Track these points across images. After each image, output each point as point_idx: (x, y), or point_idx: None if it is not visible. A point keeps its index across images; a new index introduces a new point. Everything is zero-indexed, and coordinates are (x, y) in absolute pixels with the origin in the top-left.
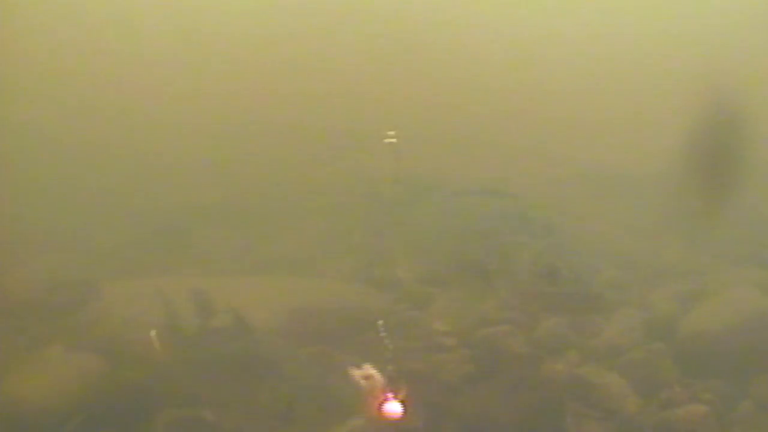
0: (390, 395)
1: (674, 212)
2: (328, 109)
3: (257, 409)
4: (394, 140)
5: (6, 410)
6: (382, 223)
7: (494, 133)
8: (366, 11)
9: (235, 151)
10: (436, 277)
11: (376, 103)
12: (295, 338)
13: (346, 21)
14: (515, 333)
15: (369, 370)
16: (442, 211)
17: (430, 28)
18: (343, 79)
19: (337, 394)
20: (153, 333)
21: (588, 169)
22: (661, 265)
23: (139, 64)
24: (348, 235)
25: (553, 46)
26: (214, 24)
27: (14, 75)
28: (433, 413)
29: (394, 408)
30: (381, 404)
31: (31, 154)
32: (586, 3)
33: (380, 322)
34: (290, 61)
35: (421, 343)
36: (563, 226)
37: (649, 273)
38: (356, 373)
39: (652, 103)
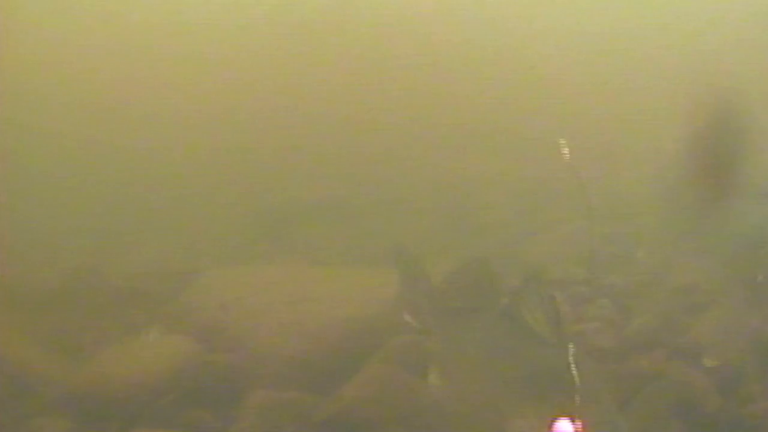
0: None
1: None
2: (444, 105)
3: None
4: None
5: (99, 389)
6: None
7: None
8: None
9: (346, 147)
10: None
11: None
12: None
13: None
14: (605, 330)
15: None
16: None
17: None
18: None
19: None
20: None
21: None
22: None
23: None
24: (451, 234)
25: None
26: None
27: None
28: None
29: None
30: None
31: (134, 143)
32: None
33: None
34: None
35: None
36: None
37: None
38: None
39: None
